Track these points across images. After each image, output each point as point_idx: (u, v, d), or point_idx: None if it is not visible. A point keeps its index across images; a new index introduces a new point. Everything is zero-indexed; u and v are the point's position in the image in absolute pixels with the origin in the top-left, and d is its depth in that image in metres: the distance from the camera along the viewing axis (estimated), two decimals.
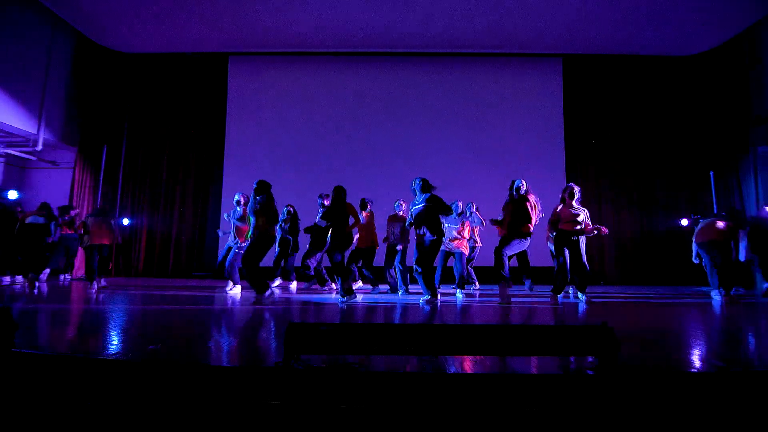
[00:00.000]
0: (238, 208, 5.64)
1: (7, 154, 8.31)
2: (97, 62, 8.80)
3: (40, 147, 7.94)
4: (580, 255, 4.60)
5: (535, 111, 8.80)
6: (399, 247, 5.64)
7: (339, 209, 4.78)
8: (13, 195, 6.59)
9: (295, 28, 8.06)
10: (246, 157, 8.76)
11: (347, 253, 5.25)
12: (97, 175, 8.37)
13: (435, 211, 4.53)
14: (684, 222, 7.39)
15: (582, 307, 4.37)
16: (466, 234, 5.68)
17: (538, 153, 8.59)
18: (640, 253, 8.32)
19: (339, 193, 4.82)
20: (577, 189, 4.76)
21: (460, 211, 5.60)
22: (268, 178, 4.85)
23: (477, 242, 6.22)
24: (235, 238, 5.57)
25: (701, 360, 2.18)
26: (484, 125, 8.75)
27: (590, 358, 1.95)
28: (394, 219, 5.85)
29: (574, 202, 4.72)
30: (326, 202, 5.78)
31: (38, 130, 7.89)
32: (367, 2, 7.29)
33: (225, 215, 6.11)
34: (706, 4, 7.08)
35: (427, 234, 4.48)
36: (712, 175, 7.37)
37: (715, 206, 7.28)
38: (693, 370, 1.98)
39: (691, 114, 8.60)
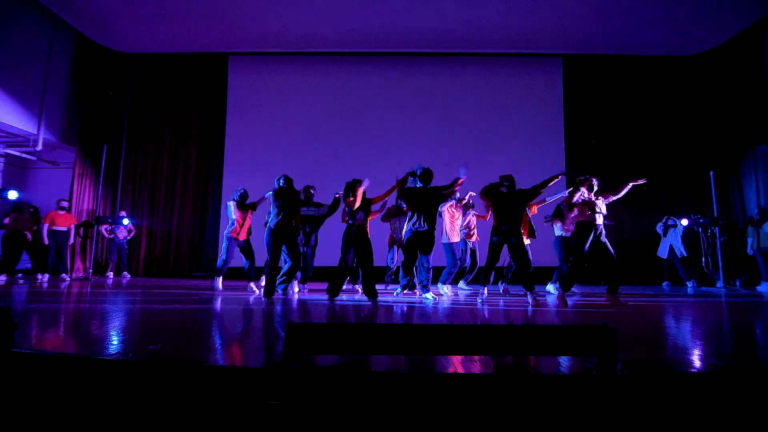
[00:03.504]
0: None
1: (7, 154, 8.30)
2: (97, 62, 8.79)
3: (40, 147, 7.93)
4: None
5: (535, 111, 8.79)
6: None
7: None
8: (13, 195, 6.57)
9: (295, 29, 8.06)
10: (246, 157, 8.75)
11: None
12: (97, 175, 8.36)
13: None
14: (684, 222, 7.37)
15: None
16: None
17: (538, 152, 8.57)
18: (640, 253, 8.31)
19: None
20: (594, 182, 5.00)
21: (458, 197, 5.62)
22: (267, 177, 4.83)
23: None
24: None
25: (701, 359, 2.18)
26: (484, 125, 8.75)
27: (590, 358, 1.95)
28: (399, 213, 5.80)
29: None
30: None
31: (38, 130, 7.89)
32: (367, 2, 7.29)
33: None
34: (706, 4, 7.08)
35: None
36: (712, 175, 7.37)
37: (715, 206, 7.28)
38: (693, 369, 1.98)
39: (691, 114, 8.60)
